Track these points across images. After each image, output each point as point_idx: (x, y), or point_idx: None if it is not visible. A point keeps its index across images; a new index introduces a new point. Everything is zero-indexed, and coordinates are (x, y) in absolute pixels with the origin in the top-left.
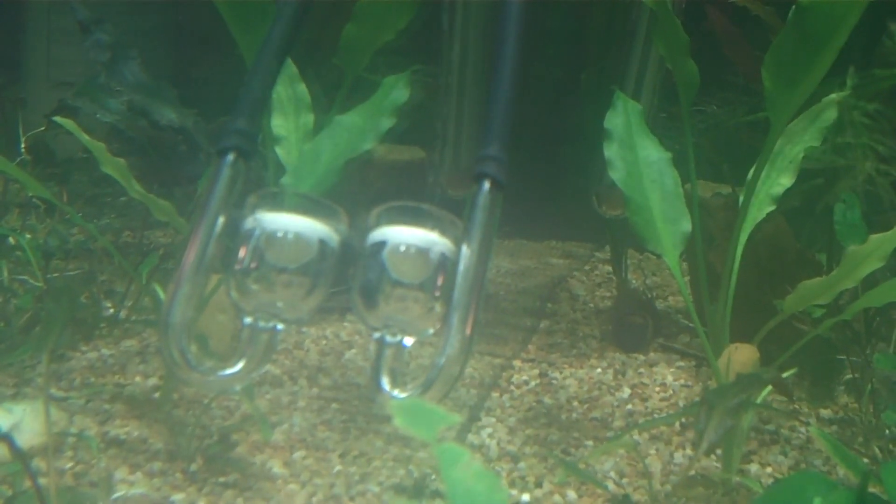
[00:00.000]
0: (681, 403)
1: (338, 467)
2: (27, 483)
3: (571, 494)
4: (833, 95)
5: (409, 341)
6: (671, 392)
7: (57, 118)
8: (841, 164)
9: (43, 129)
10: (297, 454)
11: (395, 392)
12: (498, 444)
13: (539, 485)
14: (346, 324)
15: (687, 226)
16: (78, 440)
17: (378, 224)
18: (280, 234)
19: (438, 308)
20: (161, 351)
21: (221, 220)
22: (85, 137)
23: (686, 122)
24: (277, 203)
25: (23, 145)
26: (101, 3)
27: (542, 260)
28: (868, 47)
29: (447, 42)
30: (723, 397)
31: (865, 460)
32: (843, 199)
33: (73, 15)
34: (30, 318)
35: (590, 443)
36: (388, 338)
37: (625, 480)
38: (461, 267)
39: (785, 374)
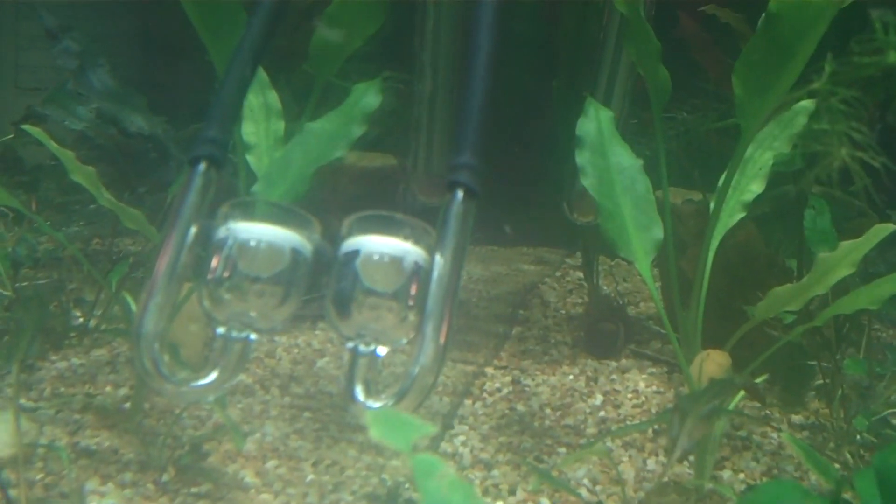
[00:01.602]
0: (653, 410)
1: (311, 476)
2: None
3: (545, 502)
4: (805, 102)
5: (382, 350)
6: (643, 398)
7: (25, 126)
8: (817, 149)
9: (11, 136)
10: (270, 464)
11: (369, 402)
12: (471, 451)
13: (513, 492)
14: (317, 332)
15: (658, 232)
16: (48, 451)
17: (351, 233)
18: (252, 244)
19: (412, 317)
20: (133, 361)
21: (193, 229)
22: (53, 145)
23: (658, 129)
24: (250, 212)
25: None
26: (69, 8)
27: (514, 266)
28: (846, 35)
29: (419, 48)
30: (695, 403)
31: (837, 466)
32: (812, 205)
33: (40, 21)
34: None
35: (563, 450)
36: (362, 347)
37: (598, 487)
38: (434, 275)
39: (756, 380)
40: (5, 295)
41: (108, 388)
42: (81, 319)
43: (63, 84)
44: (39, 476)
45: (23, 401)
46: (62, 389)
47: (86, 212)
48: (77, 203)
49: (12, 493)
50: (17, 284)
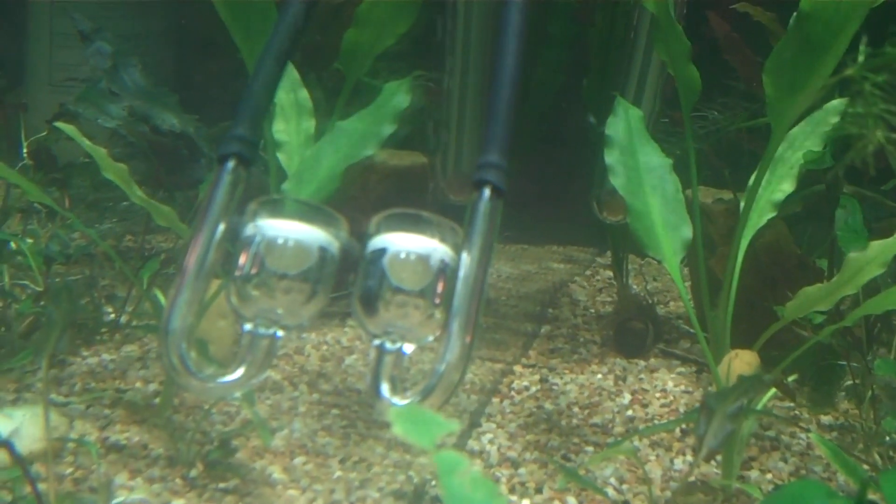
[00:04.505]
0: (681, 409)
1: (338, 473)
2: (27, 488)
3: (571, 500)
4: (835, 101)
5: (409, 348)
6: (672, 398)
7: (58, 123)
8: (853, 132)
9: (45, 133)
10: (297, 460)
11: (395, 399)
12: (498, 449)
13: (539, 490)
14: (346, 329)
15: (688, 232)
16: (78, 445)
17: (378, 231)
18: (280, 241)
19: (438, 315)
20: (161, 357)
21: (222, 226)
22: (86, 142)
23: (687, 128)
24: (278, 210)
25: (25, 150)
26: (102, 7)
27: (543, 265)
28: (882, 22)
29: (448, 48)
30: (723, 401)
31: (865, 467)
32: (844, 205)
33: (74, 21)
34: (30, 323)
35: (590, 448)
36: (388, 345)
37: (625, 486)
38: (461, 274)
39: (785, 380)
40: (38, 290)
41: (138, 384)
42: (113, 315)
43: (96, 83)
44: (69, 470)
45: (53, 395)
46: (93, 384)
47: (118, 209)
48: (109, 200)
49: (42, 487)
50: (49, 280)
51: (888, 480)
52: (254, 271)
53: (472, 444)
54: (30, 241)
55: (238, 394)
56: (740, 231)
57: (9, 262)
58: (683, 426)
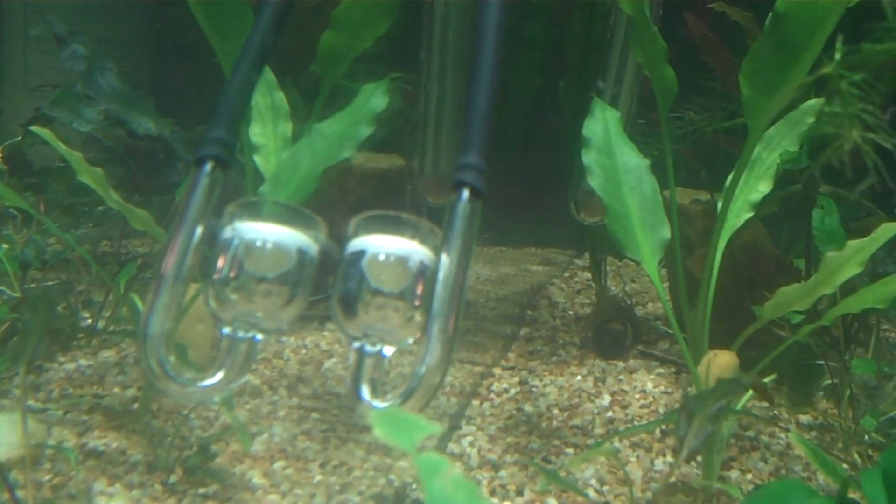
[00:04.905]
0: (661, 410)
1: (318, 477)
2: (5, 496)
3: (552, 502)
4: (811, 101)
5: (388, 350)
6: (651, 399)
7: (33, 128)
8: (829, 131)
9: (20, 138)
10: (278, 464)
11: (375, 402)
12: (479, 452)
13: (520, 493)
14: (325, 333)
15: (666, 232)
16: (56, 452)
17: (357, 233)
18: (258, 244)
19: (418, 317)
20: (139, 361)
21: (200, 229)
22: (62, 147)
23: (664, 129)
24: (256, 212)
25: None
26: (77, 11)
27: (522, 267)
28: (857, 21)
29: (426, 49)
30: (703, 403)
31: (845, 466)
32: (821, 204)
33: (49, 24)
34: (7, 329)
35: (570, 450)
36: (368, 347)
37: (605, 488)
38: (440, 275)
39: (764, 380)
40: (13, 296)
41: (116, 390)
42: (90, 321)
43: (71, 86)
44: (47, 477)
45: (31, 402)
46: (70, 391)
47: (94, 213)
48: (85, 205)
49: (20, 494)
50: (26, 286)
51: (869, 479)
52: (232, 274)
53: (452, 446)
54: (5, 246)
55: (217, 398)
56: (718, 231)
57: None
58: (663, 427)
